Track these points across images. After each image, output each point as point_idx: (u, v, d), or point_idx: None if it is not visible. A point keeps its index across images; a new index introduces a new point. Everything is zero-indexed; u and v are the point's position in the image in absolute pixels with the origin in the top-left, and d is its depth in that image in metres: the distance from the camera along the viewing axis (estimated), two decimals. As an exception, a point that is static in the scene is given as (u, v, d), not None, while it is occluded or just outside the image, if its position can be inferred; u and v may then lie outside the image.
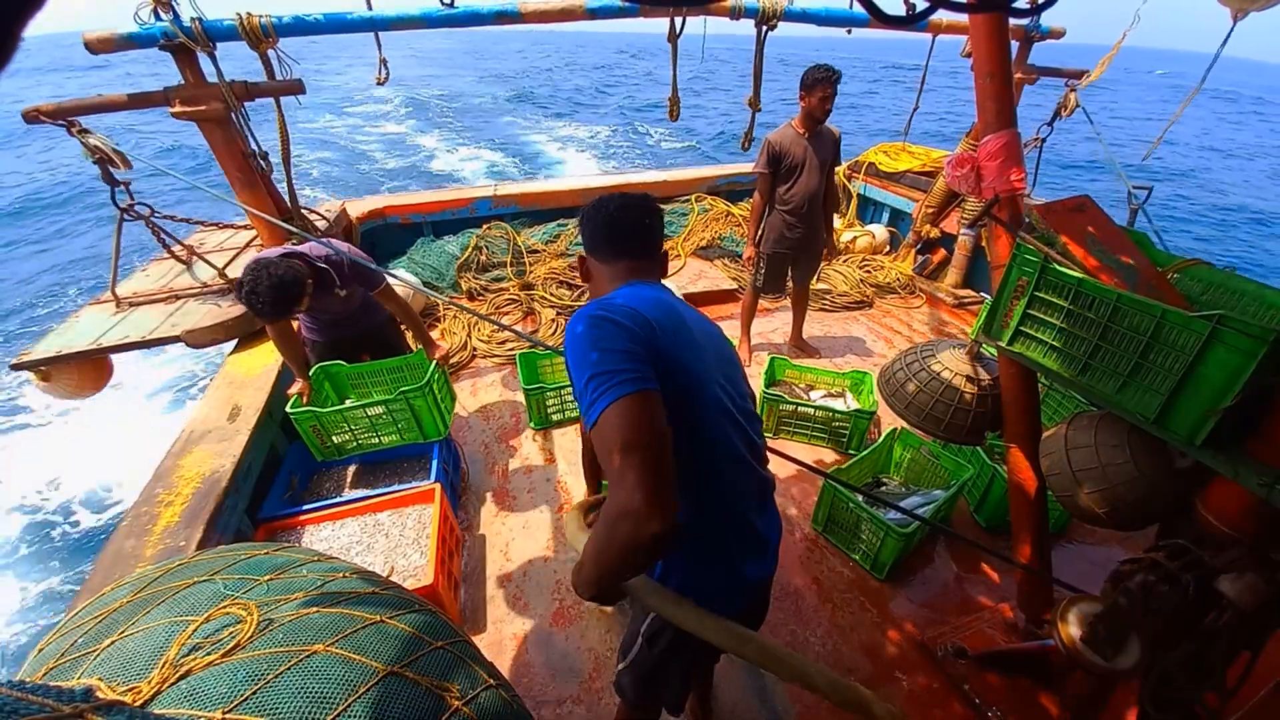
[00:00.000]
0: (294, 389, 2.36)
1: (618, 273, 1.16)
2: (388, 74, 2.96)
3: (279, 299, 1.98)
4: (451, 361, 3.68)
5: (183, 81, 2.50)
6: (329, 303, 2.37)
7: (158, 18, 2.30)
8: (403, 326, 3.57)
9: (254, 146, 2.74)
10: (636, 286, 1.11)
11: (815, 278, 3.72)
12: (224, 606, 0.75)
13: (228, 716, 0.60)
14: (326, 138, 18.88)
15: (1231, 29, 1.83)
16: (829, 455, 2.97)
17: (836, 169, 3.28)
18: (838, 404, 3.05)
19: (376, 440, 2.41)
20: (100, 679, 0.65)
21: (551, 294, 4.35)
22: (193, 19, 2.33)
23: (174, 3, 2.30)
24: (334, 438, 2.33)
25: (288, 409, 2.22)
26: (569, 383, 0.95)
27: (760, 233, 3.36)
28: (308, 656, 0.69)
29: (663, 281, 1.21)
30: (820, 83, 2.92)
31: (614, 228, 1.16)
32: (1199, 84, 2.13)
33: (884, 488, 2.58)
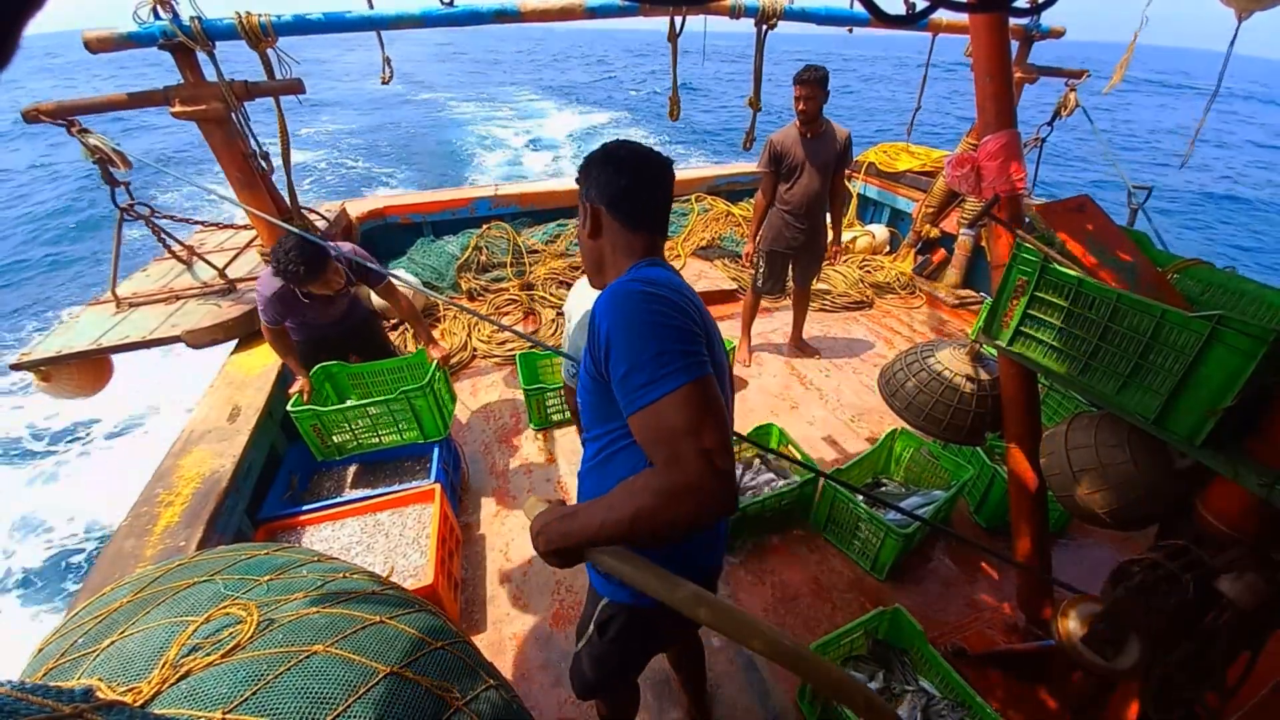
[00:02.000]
0: (295, 387, 2.37)
1: (639, 246, 1.04)
2: (391, 73, 2.96)
3: (312, 259, 2.12)
4: (452, 362, 3.68)
5: (182, 81, 2.50)
6: (333, 300, 2.43)
7: (157, 17, 2.30)
8: (404, 325, 3.57)
9: (254, 146, 2.74)
10: (663, 270, 1.00)
11: (816, 278, 3.72)
12: (224, 607, 0.75)
13: (228, 717, 0.60)
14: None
15: (1237, 29, 1.83)
16: (828, 455, 2.97)
17: (846, 170, 3.24)
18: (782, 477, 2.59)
19: (377, 440, 2.41)
20: (100, 679, 0.65)
21: (551, 294, 4.34)
22: (192, 18, 2.33)
23: (173, 2, 2.30)
24: (334, 437, 2.33)
25: (288, 407, 2.23)
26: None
27: (761, 231, 3.36)
28: (308, 657, 0.69)
29: None
30: (796, 84, 2.92)
31: (653, 187, 1.03)
32: (1215, 90, 2.13)
33: (884, 488, 2.58)
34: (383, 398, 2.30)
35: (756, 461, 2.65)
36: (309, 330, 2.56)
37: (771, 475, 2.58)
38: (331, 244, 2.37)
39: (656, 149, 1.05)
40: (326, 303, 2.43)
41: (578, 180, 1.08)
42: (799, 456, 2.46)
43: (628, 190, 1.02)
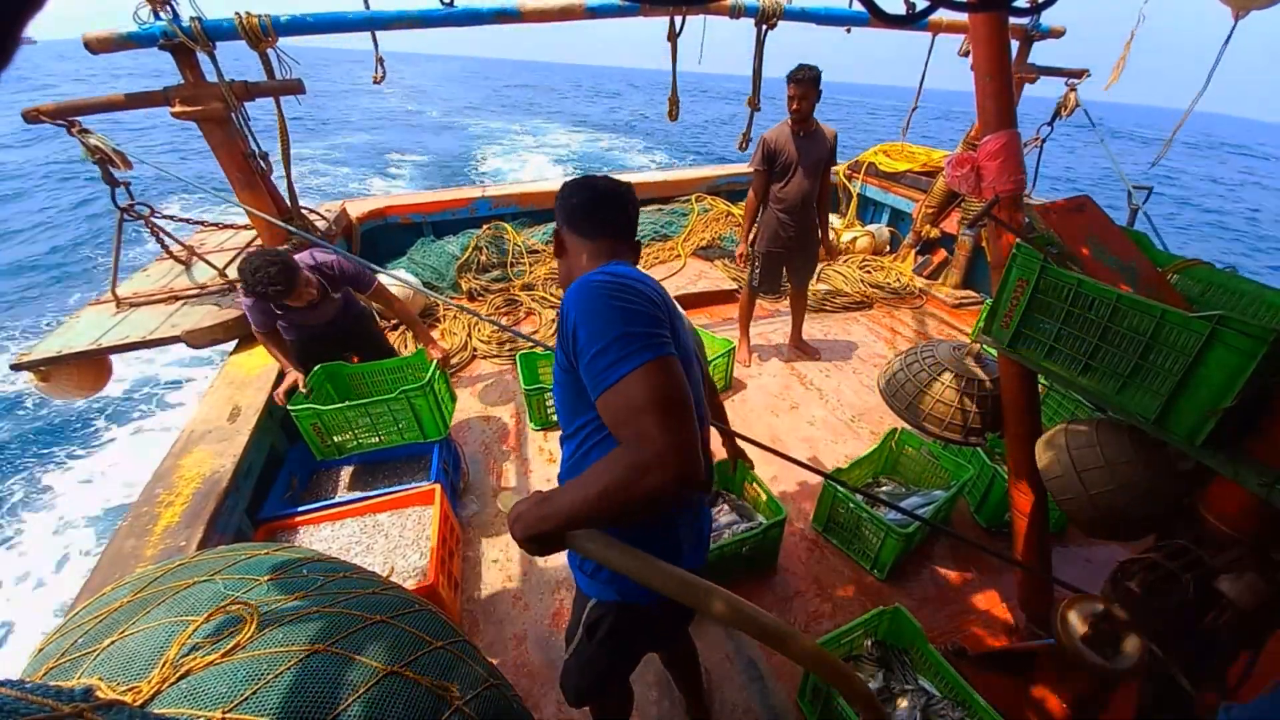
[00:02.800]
0: (286, 383, 2.33)
1: (599, 250, 1.13)
2: (384, 72, 2.97)
3: (278, 278, 2.08)
4: (452, 362, 3.68)
5: (182, 81, 2.50)
6: (321, 307, 2.43)
7: (157, 17, 2.30)
8: (402, 328, 3.57)
9: (254, 146, 2.74)
10: (622, 266, 1.07)
11: (814, 279, 3.71)
12: (224, 606, 0.75)
13: (228, 716, 0.60)
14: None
15: (1232, 29, 1.83)
16: (828, 455, 2.97)
17: (834, 169, 3.25)
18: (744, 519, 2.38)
19: (377, 440, 2.41)
20: (100, 679, 0.64)
21: (551, 294, 4.35)
22: (192, 18, 2.33)
23: (173, 2, 2.30)
24: (334, 437, 2.33)
25: (289, 406, 2.22)
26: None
27: (755, 231, 3.37)
28: (308, 656, 0.69)
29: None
30: (790, 82, 2.93)
31: (601, 204, 1.15)
32: (1202, 88, 2.13)
33: (884, 488, 2.58)
34: (382, 397, 2.30)
35: (721, 502, 2.43)
36: (301, 330, 2.55)
37: (735, 517, 2.33)
38: (315, 250, 2.37)
39: (607, 178, 1.19)
40: (311, 307, 2.41)
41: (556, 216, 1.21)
42: (764, 496, 2.28)
43: (579, 208, 1.14)
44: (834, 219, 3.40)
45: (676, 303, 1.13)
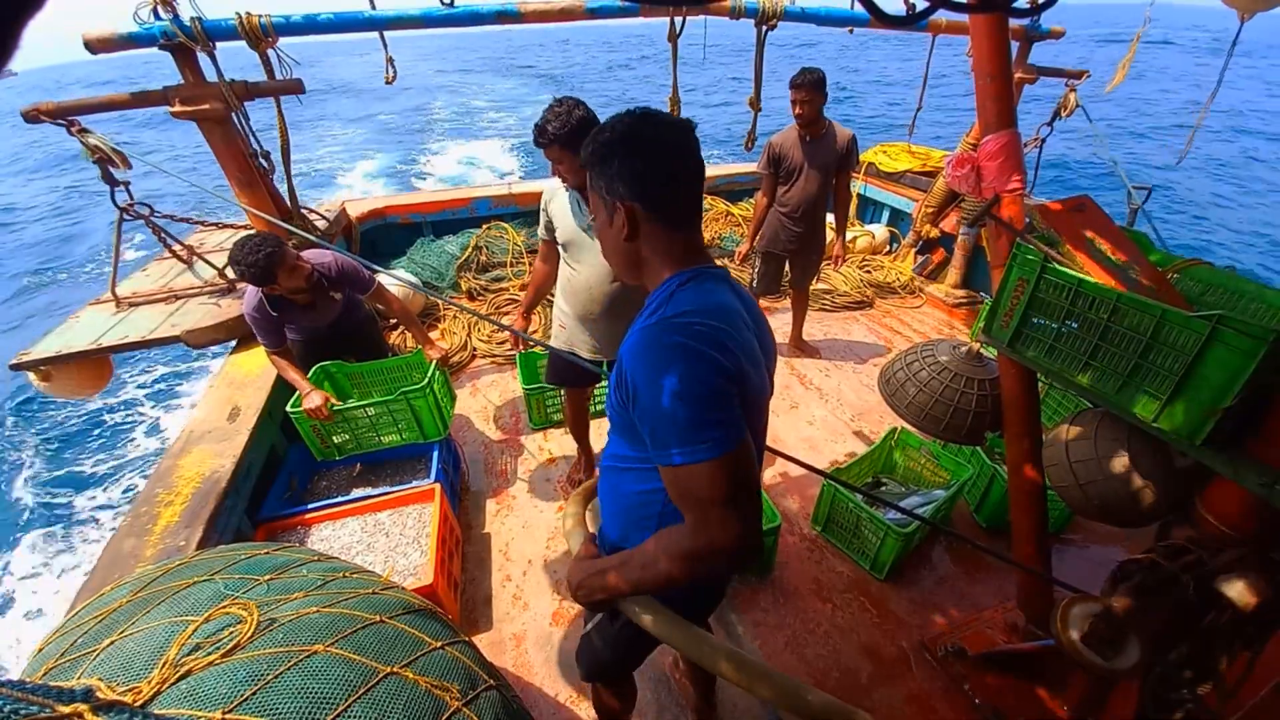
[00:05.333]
0: (309, 404, 2.22)
1: (679, 251, 0.92)
2: (395, 73, 2.96)
3: (268, 255, 2.05)
4: (451, 362, 3.68)
5: (182, 81, 2.50)
6: (322, 309, 2.43)
7: (157, 17, 2.30)
8: (401, 328, 3.56)
9: (254, 146, 2.74)
10: (707, 284, 0.90)
11: (815, 280, 3.71)
12: (224, 606, 0.75)
13: (228, 716, 0.60)
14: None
15: (1239, 30, 1.83)
16: (828, 455, 2.97)
17: (850, 172, 3.21)
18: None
19: (376, 440, 2.41)
20: (100, 679, 0.65)
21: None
22: (192, 18, 2.33)
23: (174, 2, 2.30)
24: (334, 438, 2.33)
25: (287, 408, 2.22)
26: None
27: (759, 232, 3.36)
28: (308, 657, 0.69)
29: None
30: (792, 88, 2.91)
31: (690, 176, 0.89)
32: (1215, 87, 2.13)
33: (884, 488, 2.58)
34: (382, 399, 2.30)
35: None
36: (306, 332, 2.55)
37: None
38: (317, 249, 2.37)
39: (669, 115, 0.90)
40: (310, 308, 2.39)
41: (588, 164, 0.91)
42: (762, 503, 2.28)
43: (666, 185, 0.87)
44: (833, 219, 3.39)
45: (757, 314, 1.00)
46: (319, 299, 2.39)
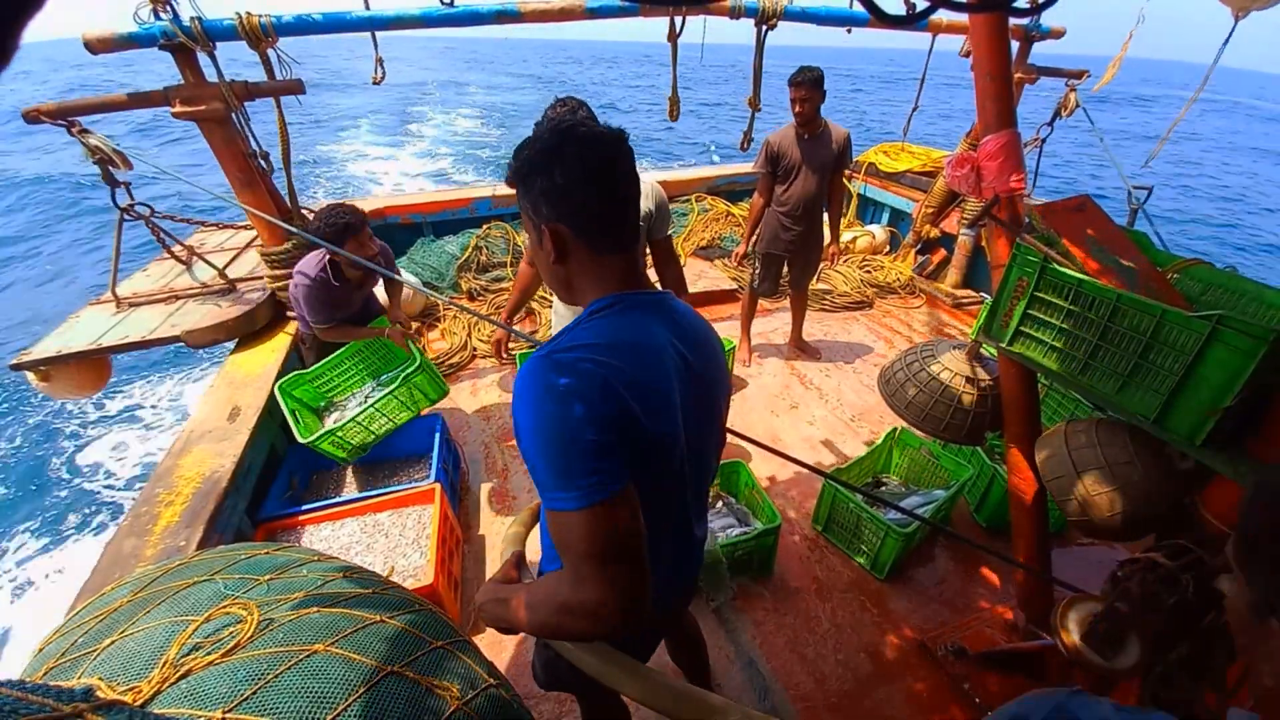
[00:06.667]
0: (397, 335, 2.53)
1: (610, 275, 0.86)
2: (384, 73, 2.96)
3: (356, 216, 2.25)
4: (451, 361, 3.69)
5: (182, 81, 2.50)
6: (360, 287, 2.56)
7: (157, 17, 2.30)
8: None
9: (254, 146, 2.73)
10: (625, 316, 0.85)
11: (814, 279, 3.71)
12: (224, 606, 0.75)
13: (228, 716, 0.60)
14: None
15: (1233, 29, 1.83)
16: (828, 455, 2.97)
17: (845, 171, 3.24)
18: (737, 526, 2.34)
19: (390, 424, 2.43)
20: (100, 678, 0.65)
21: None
22: (192, 18, 2.33)
23: (173, 2, 2.30)
24: (354, 440, 2.32)
25: (301, 439, 2.20)
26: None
27: (757, 232, 3.36)
28: (308, 656, 0.69)
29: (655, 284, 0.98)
30: (791, 86, 2.92)
31: (621, 198, 0.83)
32: (1199, 87, 2.14)
33: (884, 488, 2.58)
34: (383, 392, 2.35)
35: (719, 504, 2.41)
36: (340, 316, 2.60)
37: (732, 520, 2.31)
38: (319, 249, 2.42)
39: (599, 126, 0.84)
40: (359, 286, 2.55)
41: (511, 182, 0.87)
42: (763, 503, 2.26)
43: (592, 205, 0.81)
44: (828, 218, 3.40)
45: (699, 340, 0.93)
46: (367, 277, 2.49)
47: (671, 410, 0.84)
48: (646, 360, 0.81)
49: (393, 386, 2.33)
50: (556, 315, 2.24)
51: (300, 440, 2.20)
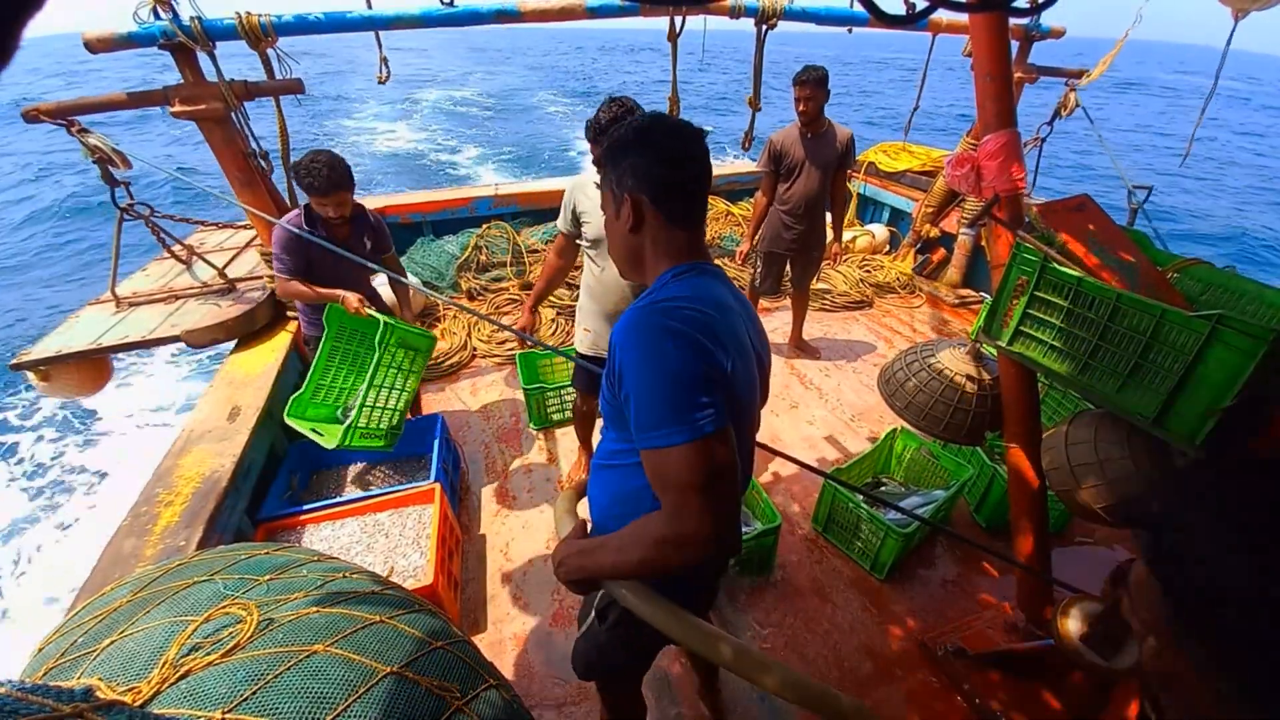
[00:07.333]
0: (351, 301, 2.29)
1: (678, 245, 0.96)
2: (389, 73, 2.96)
3: (335, 173, 2.16)
4: (451, 361, 3.69)
5: (182, 81, 2.49)
6: (354, 246, 2.41)
7: (157, 17, 2.30)
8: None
9: (254, 146, 2.73)
10: (703, 278, 0.93)
11: (815, 279, 3.71)
12: (224, 606, 0.75)
13: (228, 716, 0.60)
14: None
15: (1234, 29, 1.83)
16: (828, 455, 2.97)
17: (847, 171, 3.25)
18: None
19: (406, 387, 2.41)
20: (100, 679, 0.64)
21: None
22: (192, 18, 2.33)
23: (173, 2, 2.30)
24: (382, 426, 2.33)
25: (337, 445, 2.16)
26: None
27: (759, 231, 3.36)
28: (308, 657, 0.69)
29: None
30: (796, 85, 2.93)
31: (696, 177, 0.94)
32: (1211, 89, 2.14)
33: (884, 488, 2.58)
34: (369, 384, 2.25)
35: None
36: (327, 278, 2.44)
37: None
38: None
39: (683, 120, 0.96)
40: (343, 244, 2.33)
41: (603, 162, 0.98)
42: (763, 503, 2.25)
43: (673, 181, 0.92)
44: (831, 218, 3.41)
45: (750, 314, 1.02)
46: (354, 237, 2.42)
47: (750, 365, 0.94)
48: (730, 315, 0.90)
49: (376, 357, 2.24)
50: (585, 315, 2.22)
51: (333, 446, 2.17)
